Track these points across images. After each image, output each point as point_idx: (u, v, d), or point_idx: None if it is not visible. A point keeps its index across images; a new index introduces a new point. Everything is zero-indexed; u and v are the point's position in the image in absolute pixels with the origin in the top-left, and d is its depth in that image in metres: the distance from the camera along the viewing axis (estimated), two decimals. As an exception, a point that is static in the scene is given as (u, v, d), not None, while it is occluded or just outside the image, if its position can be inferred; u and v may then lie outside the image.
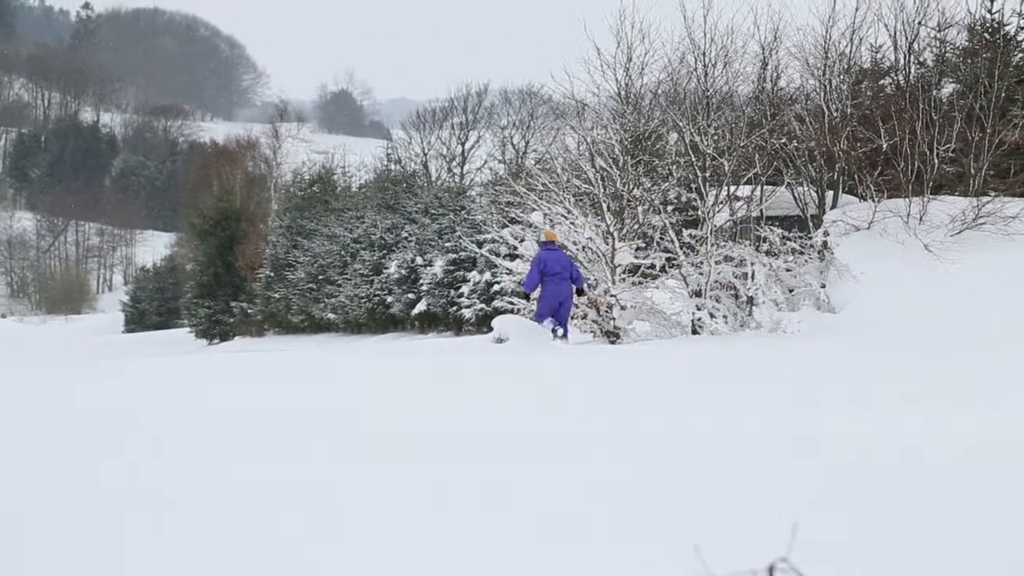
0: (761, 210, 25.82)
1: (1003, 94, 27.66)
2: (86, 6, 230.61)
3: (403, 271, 43.24)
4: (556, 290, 20.79)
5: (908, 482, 5.43)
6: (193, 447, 7.20)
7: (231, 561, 4.47)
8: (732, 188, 24.64)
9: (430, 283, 40.90)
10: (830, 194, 28.75)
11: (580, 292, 21.43)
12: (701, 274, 22.41)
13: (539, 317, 21.10)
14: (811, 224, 27.32)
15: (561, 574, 4.06)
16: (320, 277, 50.80)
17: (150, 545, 4.71)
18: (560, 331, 20.82)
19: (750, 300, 23.04)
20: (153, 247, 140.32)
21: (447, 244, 41.23)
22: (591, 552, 4.29)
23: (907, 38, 29.77)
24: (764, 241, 23.51)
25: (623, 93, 30.76)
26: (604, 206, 22.63)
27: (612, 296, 21.74)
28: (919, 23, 29.57)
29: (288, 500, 5.50)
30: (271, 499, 5.53)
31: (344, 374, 12.40)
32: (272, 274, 55.79)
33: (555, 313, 20.92)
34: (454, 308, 39.97)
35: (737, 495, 5.21)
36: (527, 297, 23.57)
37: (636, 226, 23.57)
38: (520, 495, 5.37)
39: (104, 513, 5.29)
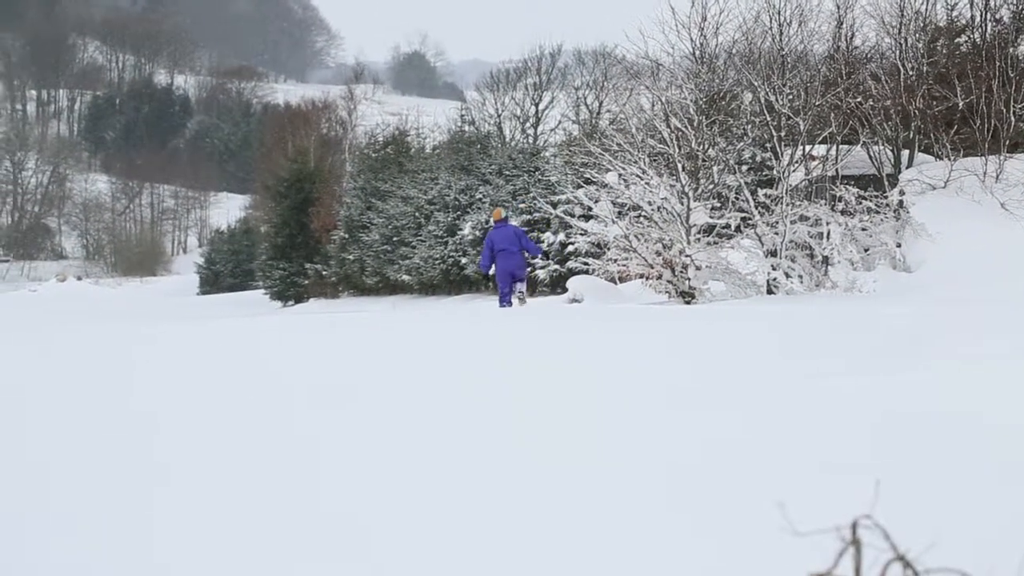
0: (836, 169, 25.75)
1: (1082, 51, 27.42)
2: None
3: (477, 232, 43.20)
4: (506, 263, 23.22)
5: (978, 435, 5.50)
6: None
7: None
8: (807, 147, 24.57)
9: (504, 244, 40.90)
10: (906, 153, 28.62)
11: (545, 255, 23.47)
12: (776, 234, 22.37)
13: (502, 294, 23.42)
14: (887, 183, 27.21)
15: (654, 522, 4.19)
16: (394, 239, 50.72)
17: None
18: (520, 295, 23.45)
19: (825, 260, 23.00)
20: (227, 209, 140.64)
21: (521, 205, 41.24)
22: (685, 503, 4.42)
23: (984, -5, 29.58)
24: (839, 200, 23.43)
25: (698, 53, 30.73)
26: (679, 166, 22.63)
27: (687, 256, 21.77)
28: (996, -20, 29.36)
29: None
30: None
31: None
32: (346, 236, 55.75)
33: (513, 281, 23.39)
34: (528, 269, 39.94)
35: (814, 453, 5.31)
36: (486, 276, 25.33)
37: (711, 186, 23.54)
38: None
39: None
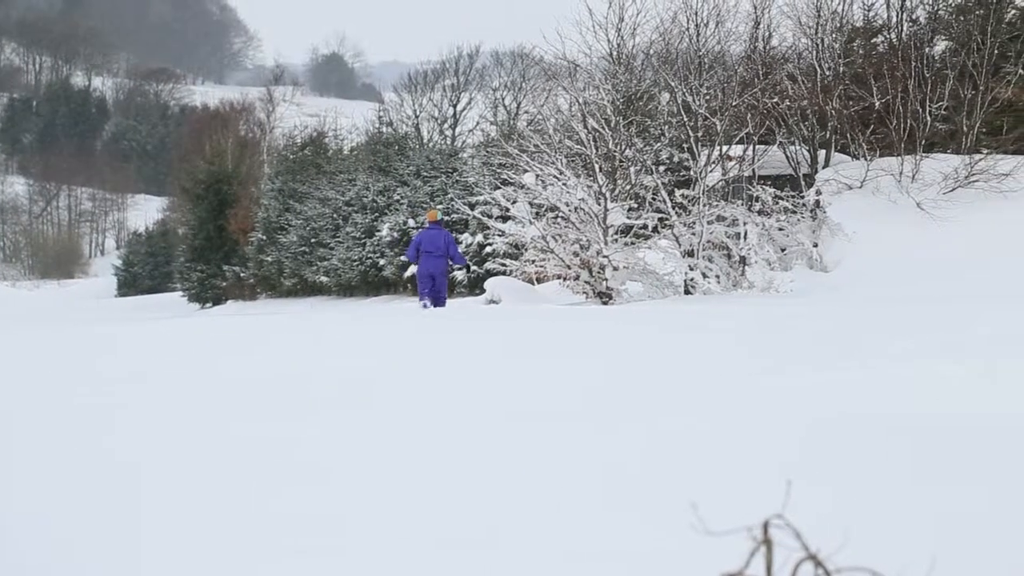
0: (753, 169, 25.87)
1: (996, 51, 27.70)
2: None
3: (395, 234, 43.26)
4: (427, 264, 23.25)
5: (895, 436, 5.45)
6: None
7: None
8: (724, 148, 24.65)
9: (423, 246, 40.91)
10: (822, 153, 28.86)
11: (467, 268, 24.06)
12: (693, 234, 22.43)
13: (421, 294, 23.59)
14: (803, 183, 27.41)
15: (564, 525, 4.07)
16: (312, 240, 50.74)
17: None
18: (430, 305, 23.02)
19: (743, 260, 23.08)
20: (145, 211, 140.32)
21: (439, 206, 41.23)
22: (594, 512, 4.29)
23: (900, -5, 29.83)
24: (756, 200, 23.56)
25: (615, 53, 30.79)
26: (596, 167, 22.59)
27: (604, 257, 21.74)
28: (912, -20, 29.60)
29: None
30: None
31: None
32: (264, 237, 55.75)
33: (432, 285, 23.29)
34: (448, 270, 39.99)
35: (726, 454, 5.22)
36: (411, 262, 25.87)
37: (628, 187, 23.57)
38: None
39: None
